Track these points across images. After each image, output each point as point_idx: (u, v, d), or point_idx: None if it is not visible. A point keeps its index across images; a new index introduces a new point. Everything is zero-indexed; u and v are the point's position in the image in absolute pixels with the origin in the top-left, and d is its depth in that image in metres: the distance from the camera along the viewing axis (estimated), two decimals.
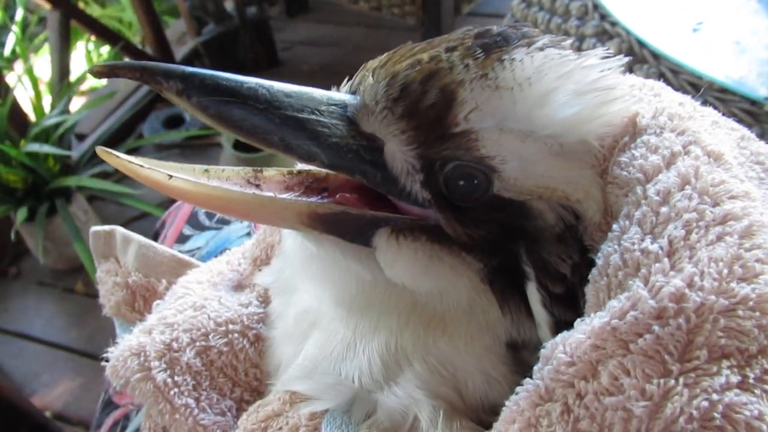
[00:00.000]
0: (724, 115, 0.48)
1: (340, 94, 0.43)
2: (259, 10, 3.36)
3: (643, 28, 1.42)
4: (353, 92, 0.43)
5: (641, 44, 1.39)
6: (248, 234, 0.82)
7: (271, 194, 0.43)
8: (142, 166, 0.40)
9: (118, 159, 0.40)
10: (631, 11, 1.46)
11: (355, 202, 0.44)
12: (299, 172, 0.46)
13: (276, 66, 3.42)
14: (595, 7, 1.51)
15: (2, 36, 3.28)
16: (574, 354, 0.34)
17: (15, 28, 3.34)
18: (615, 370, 0.33)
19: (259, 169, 0.45)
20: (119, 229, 0.68)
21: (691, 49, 1.32)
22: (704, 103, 0.48)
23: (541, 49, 0.41)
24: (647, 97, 0.45)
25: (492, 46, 0.41)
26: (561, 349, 0.35)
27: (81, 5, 3.57)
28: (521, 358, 0.44)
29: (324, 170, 0.46)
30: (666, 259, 0.35)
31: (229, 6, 3.32)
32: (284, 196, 0.43)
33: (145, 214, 2.54)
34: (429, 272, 0.43)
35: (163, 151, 2.88)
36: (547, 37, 0.43)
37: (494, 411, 0.43)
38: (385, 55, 0.44)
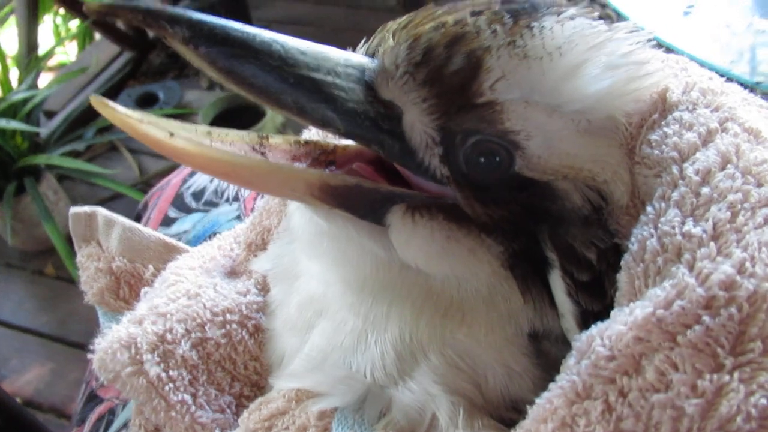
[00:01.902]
0: None
1: (358, 56, 0.40)
2: None
3: (634, 10, 1.40)
4: (371, 55, 0.40)
5: None
6: (238, 217, 0.78)
7: (279, 160, 0.40)
8: (141, 120, 0.37)
9: (115, 112, 0.37)
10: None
11: (370, 173, 0.41)
12: (306, 142, 0.43)
13: None
14: None
15: None
16: (615, 347, 0.32)
17: None
18: (662, 365, 0.30)
19: (264, 135, 0.41)
20: (101, 210, 0.63)
21: (683, 32, 1.30)
22: None
23: (571, 18, 0.39)
24: (675, 72, 0.43)
25: (520, 12, 0.39)
26: (599, 342, 0.33)
27: None
28: (542, 348, 0.42)
29: (332, 142, 0.43)
30: (712, 243, 0.32)
31: None
32: (294, 165, 0.40)
33: (117, 195, 2.46)
34: (446, 254, 0.40)
35: None
36: (576, 7, 0.40)
37: (515, 407, 0.41)
38: (405, 16, 0.41)
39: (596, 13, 0.42)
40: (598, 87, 0.38)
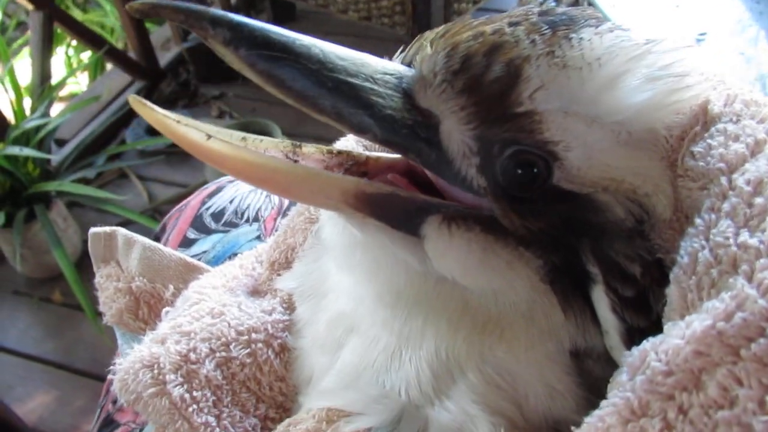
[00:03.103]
0: None
1: (395, 64, 0.40)
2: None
3: None
4: (408, 64, 0.40)
5: None
6: (258, 237, 0.77)
7: (316, 167, 0.40)
8: (178, 122, 0.37)
9: (153, 112, 0.37)
10: (634, 22, 1.45)
11: (405, 185, 0.40)
12: (339, 152, 0.42)
13: None
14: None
15: None
16: (672, 362, 0.30)
17: None
18: (725, 380, 0.29)
19: (297, 144, 0.41)
20: (121, 230, 0.63)
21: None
22: None
23: (611, 30, 0.39)
24: (713, 84, 0.42)
25: (558, 24, 0.38)
26: (654, 356, 0.31)
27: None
28: (585, 367, 0.41)
29: (364, 154, 0.43)
30: None
31: None
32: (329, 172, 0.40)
33: (127, 222, 2.46)
34: (483, 267, 0.39)
35: (146, 158, 2.80)
36: (612, 23, 0.40)
37: (557, 429, 0.40)
38: (441, 27, 0.40)
39: (633, 29, 0.41)
40: (638, 98, 0.38)
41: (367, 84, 0.37)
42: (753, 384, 0.28)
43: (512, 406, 0.40)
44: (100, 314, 0.61)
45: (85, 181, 2.62)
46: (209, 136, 0.36)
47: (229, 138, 0.38)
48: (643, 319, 0.38)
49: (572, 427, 0.33)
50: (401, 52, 0.42)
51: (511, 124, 0.37)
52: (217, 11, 0.34)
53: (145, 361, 0.47)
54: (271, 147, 0.40)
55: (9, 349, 2.23)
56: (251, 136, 0.40)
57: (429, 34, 0.40)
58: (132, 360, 0.47)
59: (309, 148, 0.42)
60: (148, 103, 0.37)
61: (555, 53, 0.37)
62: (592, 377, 0.40)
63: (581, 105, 0.37)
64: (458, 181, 0.39)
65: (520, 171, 0.38)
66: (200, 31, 0.34)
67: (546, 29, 0.38)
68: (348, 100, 0.36)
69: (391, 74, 0.38)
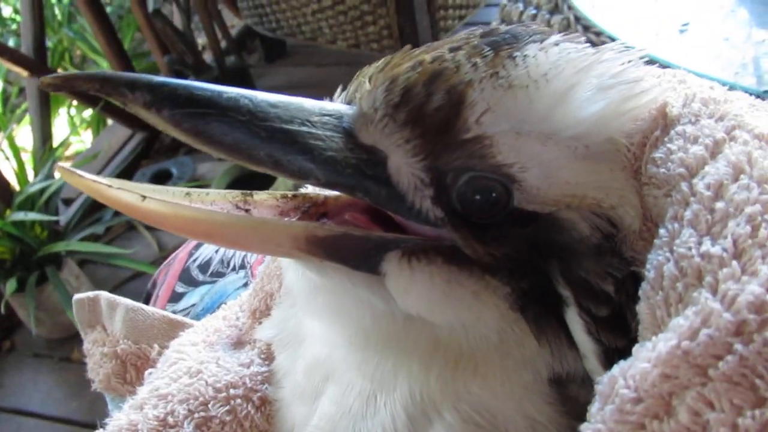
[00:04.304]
0: None
1: (334, 104, 0.39)
2: (238, 59, 3.36)
3: (628, 34, 1.40)
4: (349, 102, 0.39)
5: None
6: (245, 284, 0.76)
7: (262, 216, 0.39)
8: (110, 186, 0.36)
9: (82, 179, 0.36)
10: (615, 20, 1.45)
11: (364, 223, 0.39)
12: (294, 195, 0.41)
13: None
14: (578, 19, 1.50)
15: None
16: (640, 388, 0.28)
17: None
18: (695, 404, 0.27)
19: (248, 192, 0.40)
20: (104, 294, 0.63)
21: (681, 49, 1.30)
22: None
23: (556, 44, 0.38)
24: (673, 85, 0.41)
25: (501, 44, 0.37)
26: (622, 383, 0.29)
27: (60, 71, 3.57)
28: (568, 393, 0.39)
29: (323, 194, 0.41)
30: (734, 262, 0.29)
31: (208, 57, 3.33)
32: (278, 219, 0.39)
33: (139, 274, 2.48)
34: (448, 300, 0.37)
35: None
36: (560, 34, 0.39)
37: None
38: (381, 60, 0.39)
39: (582, 38, 0.40)
40: (591, 110, 0.36)
41: (304, 128, 0.36)
42: (724, 406, 0.26)
43: None
44: None
45: (95, 237, 2.65)
46: (144, 197, 0.36)
47: (169, 195, 0.37)
48: (621, 338, 0.36)
49: None
50: (341, 92, 0.41)
51: (461, 151, 0.36)
52: (133, 75, 0.33)
53: (123, 429, 0.46)
54: (219, 199, 0.39)
55: (34, 412, 2.24)
56: (196, 191, 0.39)
57: (368, 69, 0.40)
58: (111, 429, 0.47)
59: (261, 195, 0.41)
60: (77, 171, 0.36)
61: (499, 74, 0.36)
62: (579, 404, 0.38)
63: (532, 124, 0.36)
64: (413, 215, 0.38)
65: (478, 197, 0.37)
66: (119, 97, 0.33)
67: (488, 51, 0.37)
68: (284, 147, 0.35)
69: (330, 115, 0.38)
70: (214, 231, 0.37)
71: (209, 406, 0.47)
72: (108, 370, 0.58)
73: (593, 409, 0.30)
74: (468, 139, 0.36)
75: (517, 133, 0.36)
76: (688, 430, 0.27)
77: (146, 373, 0.54)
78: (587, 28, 1.48)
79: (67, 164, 3.09)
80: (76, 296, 0.63)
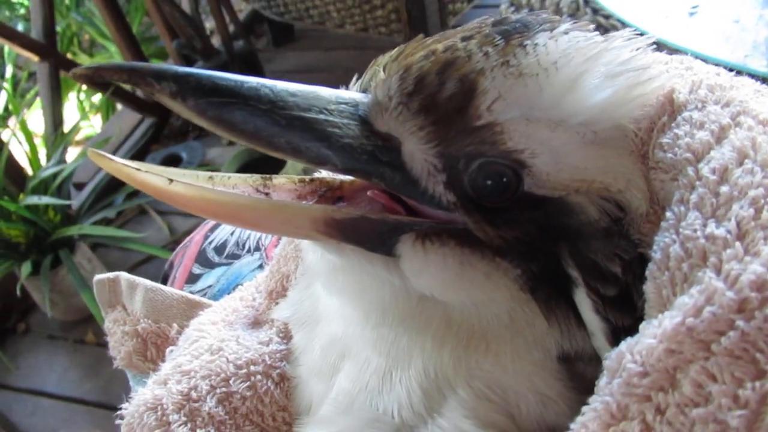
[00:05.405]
0: None
1: (350, 93, 0.40)
2: (246, 44, 3.35)
3: (638, 17, 1.40)
4: (364, 90, 0.40)
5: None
6: (260, 266, 0.78)
7: (283, 199, 0.40)
8: (138, 169, 0.37)
9: (113, 162, 0.38)
10: (624, 3, 1.44)
11: (385, 200, 0.41)
12: (312, 180, 0.43)
13: None
14: (587, 1, 1.49)
15: None
16: (647, 362, 0.30)
17: (6, 85, 3.34)
18: (698, 377, 0.28)
19: (267, 176, 0.42)
20: (123, 275, 0.64)
21: (691, 32, 1.29)
22: None
23: (565, 32, 0.39)
24: (680, 72, 0.42)
25: (512, 33, 0.38)
26: (629, 358, 0.31)
27: (69, 56, 3.58)
28: (576, 370, 0.40)
29: (338, 178, 0.43)
30: (738, 243, 0.30)
31: (216, 42, 3.32)
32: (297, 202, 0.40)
33: (150, 257, 2.51)
34: (461, 281, 0.39)
35: None
36: (570, 22, 0.40)
37: None
38: (395, 49, 0.41)
39: (592, 26, 0.41)
40: (599, 97, 0.37)
41: (322, 116, 0.37)
42: (726, 379, 0.28)
43: (505, 417, 0.39)
44: None
45: (107, 221, 2.68)
46: (171, 180, 0.37)
47: (194, 178, 0.39)
48: (628, 317, 0.37)
49: None
50: (357, 80, 0.42)
51: (473, 138, 0.38)
52: (160, 65, 0.35)
53: (149, 403, 0.48)
54: (240, 183, 0.41)
55: (49, 393, 2.29)
56: (219, 175, 0.40)
57: (382, 59, 0.41)
58: (136, 403, 0.49)
59: (280, 179, 0.42)
60: (106, 155, 0.38)
61: (510, 63, 0.37)
62: (586, 380, 0.40)
63: (542, 111, 0.37)
64: (426, 200, 0.40)
65: (489, 182, 0.38)
66: (146, 87, 0.34)
67: (499, 40, 0.38)
68: (303, 134, 0.37)
69: (346, 103, 0.39)
70: (237, 213, 0.39)
71: (230, 382, 0.49)
72: (129, 348, 0.60)
73: (601, 383, 0.32)
74: (479, 126, 0.37)
75: (527, 119, 0.37)
76: (692, 402, 0.28)
77: (167, 350, 0.56)
78: (596, 10, 1.47)
79: (77, 149, 3.12)
80: (97, 277, 0.65)
